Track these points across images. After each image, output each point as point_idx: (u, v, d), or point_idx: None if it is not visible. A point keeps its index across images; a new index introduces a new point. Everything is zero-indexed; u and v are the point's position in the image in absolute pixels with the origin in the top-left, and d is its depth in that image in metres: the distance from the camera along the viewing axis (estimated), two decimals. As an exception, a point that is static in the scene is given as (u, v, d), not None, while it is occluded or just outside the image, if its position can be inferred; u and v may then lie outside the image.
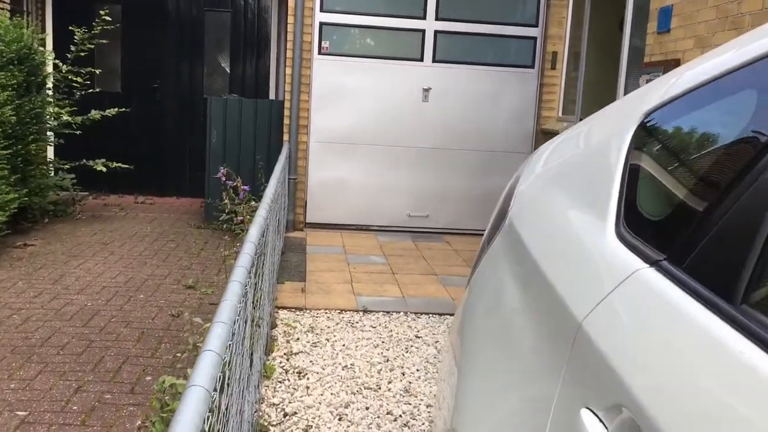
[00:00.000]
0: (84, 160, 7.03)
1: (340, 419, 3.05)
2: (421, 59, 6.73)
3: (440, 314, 4.50)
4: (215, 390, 1.30)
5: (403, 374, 3.56)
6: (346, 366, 3.61)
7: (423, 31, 6.70)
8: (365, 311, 4.48)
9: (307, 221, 6.85)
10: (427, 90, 6.75)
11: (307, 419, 3.02)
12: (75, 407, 3.05)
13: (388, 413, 3.13)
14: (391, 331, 4.18)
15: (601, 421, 0.90)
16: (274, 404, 3.14)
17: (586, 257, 1.20)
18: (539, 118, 6.89)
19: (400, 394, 3.33)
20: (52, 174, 7.19)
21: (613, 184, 1.20)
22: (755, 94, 1.00)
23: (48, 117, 6.77)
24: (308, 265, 5.46)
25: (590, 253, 1.19)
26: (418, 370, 3.62)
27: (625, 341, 0.94)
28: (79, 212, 7.10)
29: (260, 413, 3.01)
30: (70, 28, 7.03)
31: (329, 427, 2.97)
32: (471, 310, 1.70)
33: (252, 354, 2.56)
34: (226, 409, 1.56)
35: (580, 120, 6.17)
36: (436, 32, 6.71)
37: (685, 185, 1.09)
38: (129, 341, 3.83)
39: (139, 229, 6.62)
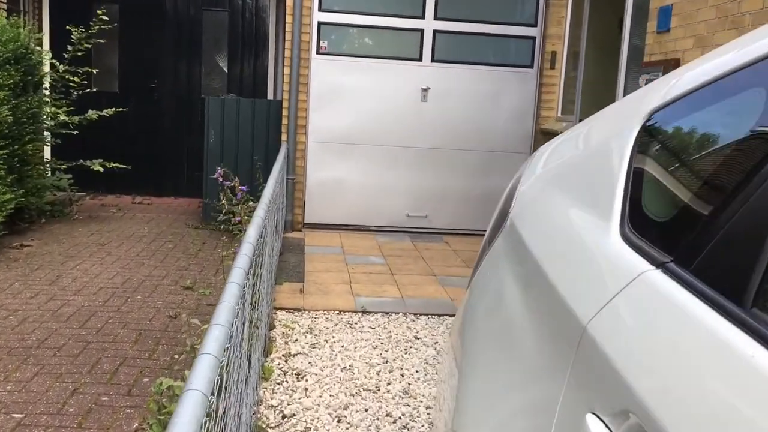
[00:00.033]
0: (81, 160, 7.00)
1: (339, 421, 3.03)
2: (420, 59, 6.72)
3: (439, 315, 4.48)
4: (213, 394, 1.28)
5: (403, 375, 3.54)
6: (344, 367, 3.59)
7: (422, 31, 6.68)
8: (364, 312, 4.46)
9: (305, 222, 6.83)
10: (425, 90, 6.74)
11: (305, 421, 3.00)
12: (71, 409, 3.03)
13: (387, 415, 3.11)
14: (390, 332, 4.16)
15: (607, 426, 0.88)
16: (272, 406, 3.12)
17: (590, 258, 1.18)
18: (538, 118, 6.87)
19: (400, 396, 3.31)
20: (49, 174, 7.17)
21: (617, 184, 1.18)
22: (765, 93, 0.98)
23: (45, 117, 6.74)
24: (307, 266, 5.44)
25: (594, 255, 1.17)
26: (417, 372, 3.60)
27: (631, 345, 0.92)
28: (76, 212, 7.08)
29: (258, 415, 2.99)
30: (67, 27, 7.00)
31: (328, 429, 2.95)
32: (472, 311, 1.68)
33: (250, 356, 2.54)
34: (224, 413, 1.54)
35: (580, 120, 6.16)
36: (434, 32, 6.69)
37: (692, 185, 1.07)
38: (126, 343, 3.81)
39: (136, 230, 6.60)
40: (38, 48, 6.95)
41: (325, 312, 4.42)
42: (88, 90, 7.15)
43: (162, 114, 8.45)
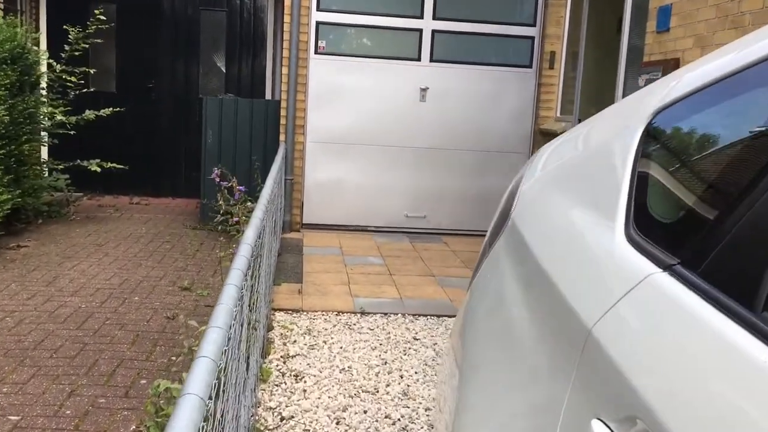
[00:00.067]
0: (78, 161, 6.98)
1: (337, 423, 3.01)
2: (419, 59, 6.70)
3: (438, 316, 4.46)
4: (210, 398, 1.26)
5: (402, 377, 3.52)
6: (343, 369, 3.57)
7: (420, 31, 6.67)
8: (363, 313, 4.44)
9: (303, 222, 6.81)
10: (424, 90, 6.72)
11: (304, 423, 2.98)
12: (68, 411, 3.01)
13: (386, 417, 3.09)
14: (389, 333, 4.14)
15: (613, 432, 0.86)
16: (270, 408, 3.09)
17: (594, 260, 1.16)
18: (537, 118, 6.86)
19: (399, 398, 3.29)
20: (46, 174, 7.13)
21: (622, 185, 1.16)
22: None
23: (42, 117, 6.71)
24: (305, 267, 5.42)
25: (598, 256, 1.15)
26: (416, 373, 3.58)
27: (638, 349, 0.90)
28: (74, 213, 7.05)
29: (257, 417, 2.97)
30: (65, 27, 6.98)
31: (327, 431, 2.93)
32: (472, 312, 1.66)
33: (248, 357, 2.51)
34: (222, 416, 1.52)
35: (579, 120, 6.14)
36: (433, 32, 6.67)
37: (700, 186, 1.05)
38: (123, 344, 3.79)
39: (134, 230, 6.57)
40: (35, 48, 6.92)
41: (324, 313, 4.40)
42: (85, 90, 7.13)
43: (160, 114, 8.42)
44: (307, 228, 6.78)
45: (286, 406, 3.12)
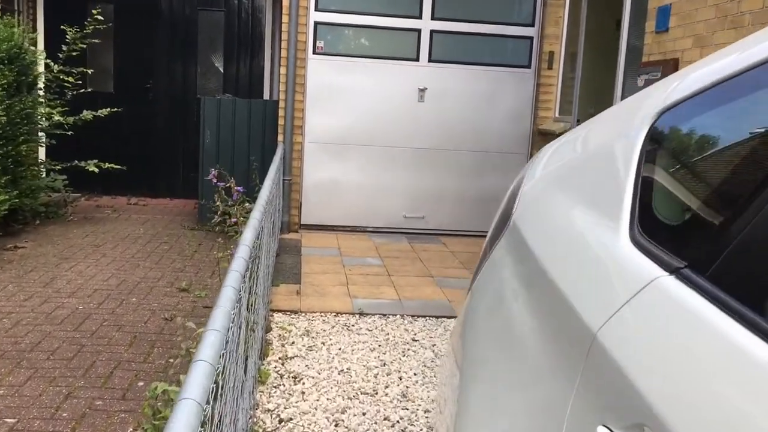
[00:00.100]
0: (76, 161, 6.95)
1: (336, 425, 2.99)
2: (417, 59, 6.69)
3: (437, 317, 4.44)
4: (208, 402, 1.24)
5: (401, 378, 3.50)
6: (342, 370, 3.55)
7: (419, 31, 6.65)
8: (361, 314, 4.42)
9: (302, 223, 6.79)
10: (423, 90, 6.70)
11: (302, 425, 2.96)
12: (65, 414, 2.98)
13: (385, 419, 3.07)
14: (388, 334, 4.12)
15: (620, 440, 0.84)
16: (269, 410, 3.07)
17: (598, 262, 1.14)
18: (536, 118, 6.84)
19: (398, 399, 3.27)
20: (44, 175, 7.11)
21: (626, 187, 1.14)
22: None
23: (39, 117, 6.69)
24: (303, 267, 5.40)
25: (602, 258, 1.14)
26: (415, 374, 3.56)
27: (645, 354, 0.88)
28: (71, 214, 7.02)
29: (255, 420, 2.95)
30: (62, 27, 6.95)
31: (325, 434, 2.91)
32: (473, 312, 1.65)
33: (246, 359, 2.50)
34: (219, 420, 1.50)
35: (578, 120, 6.13)
36: (432, 32, 6.66)
37: (707, 188, 1.03)
38: (121, 346, 3.76)
39: (131, 231, 6.55)
40: (32, 48, 6.90)
41: (322, 314, 4.38)
42: (82, 90, 7.11)
43: (157, 114, 8.40)
44: (306, 229, 6.76)
45: (285, 408, 3.10)
